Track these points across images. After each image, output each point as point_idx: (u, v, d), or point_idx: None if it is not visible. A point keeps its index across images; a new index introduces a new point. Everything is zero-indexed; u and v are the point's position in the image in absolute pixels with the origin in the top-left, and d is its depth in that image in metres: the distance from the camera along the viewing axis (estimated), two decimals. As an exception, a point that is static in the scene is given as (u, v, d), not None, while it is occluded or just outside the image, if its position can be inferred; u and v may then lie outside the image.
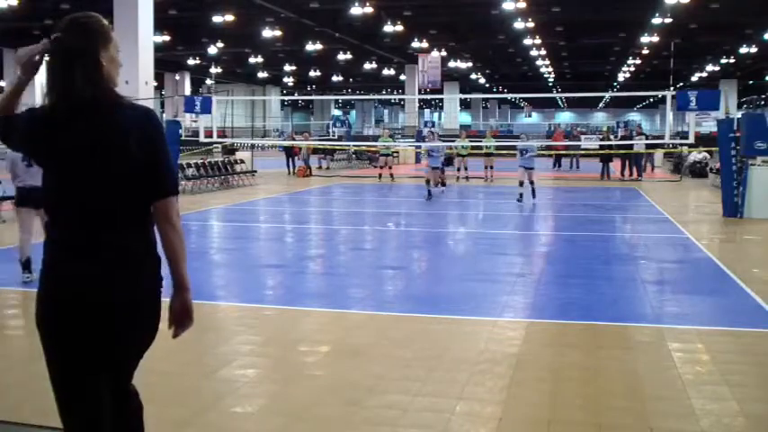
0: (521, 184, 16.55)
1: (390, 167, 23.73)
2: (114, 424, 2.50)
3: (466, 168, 23.33)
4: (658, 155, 29.27)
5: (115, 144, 2.33)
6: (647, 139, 28.33)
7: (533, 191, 16.54)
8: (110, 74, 2.42)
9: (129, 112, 2.39)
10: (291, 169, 25.85)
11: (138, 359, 2.58)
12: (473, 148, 24.68)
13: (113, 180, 2.34)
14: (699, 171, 24.49)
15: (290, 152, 26.66)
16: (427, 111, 67.23)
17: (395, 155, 26.92)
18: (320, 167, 27.96)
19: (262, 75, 50.74)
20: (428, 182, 17.79)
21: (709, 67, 44.52)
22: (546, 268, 9.07)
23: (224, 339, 5.87)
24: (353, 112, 78.00)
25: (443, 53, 36.87)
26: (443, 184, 19.15)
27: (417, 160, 33.92)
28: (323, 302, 7.26)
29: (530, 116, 76.47)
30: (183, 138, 24.09)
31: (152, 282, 2.45)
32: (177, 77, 47.05)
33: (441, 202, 18.32)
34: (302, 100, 69.96)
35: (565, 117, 79.48)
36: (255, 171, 22.89)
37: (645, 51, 36.54)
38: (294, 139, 28.58)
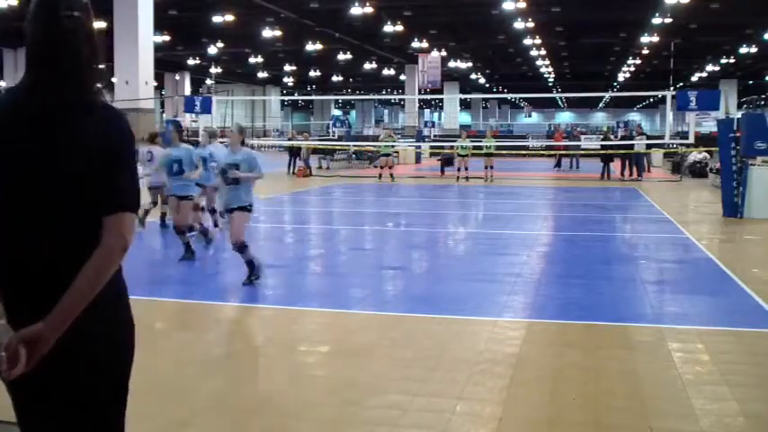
0: (204, 234, 9.70)
1: (390, 167, 23.74)
2: None
3: (466, 168, 23.34)
4: (656, 155, 29.27)
5: (66, 144, 1.94)
6: (647, 138, 28.37)
7: (251, 266, 7.64)
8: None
9: (98, 114, 2.01)
10: (291, 169, 25.85)
11: (96, 406, 1.99)
12: (474, 148, 24.63)
13: (60, 188, 1.93)
14: (699, 171, 24.49)
15: (293, 152, 26.61)
16: (427, 111, 67.27)
17: (395, 155, 26.93)
18: (320, 167, 27.97)
19: (262, 75, 50.75)
20: (163, 216, 11.21)
21: (710, 67, 44.52)
22: (546, 268, 9.07)
23: (224, 339, 5.87)
24: (353, 112, 78.03)
25: (443, 53, 36.88)
26: (203, 234, 10.05)
27: (417, 160, 34.02)
28: (323, 302, 7.26)
29: (530, 116, 76.52)
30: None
31: (104, 313, 1.96)
32: (177, 77, 47.04)
33: (441, 202, 18.33)
34: (302, 100, 69.97)
35: (565, 117, 79.52)
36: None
37: (645, 51, 36.56)
38: (295, 139, 28.56)
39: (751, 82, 50.14)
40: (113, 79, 18.20)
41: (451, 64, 40.84)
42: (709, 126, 33.53)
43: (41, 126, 1.95)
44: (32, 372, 1.83)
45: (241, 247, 7.59)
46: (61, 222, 1.94)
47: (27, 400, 1.96)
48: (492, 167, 23.49)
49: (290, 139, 30.27)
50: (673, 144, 27.02)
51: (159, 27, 23.80)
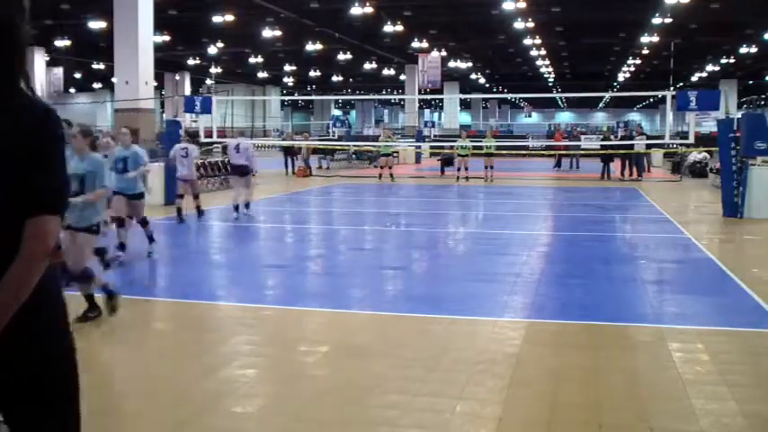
0: (120, 222, 8.84)
1: (390, 167, 23.75)
2: None
3: (466, 168, 23.35)
4: (656, 155, 29.28)
5: None
6: (647, 138, 28.37)
7: (90, 300, 6.14)
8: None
9: (17, 110, 1.88)
10: (291, 169, 25.84)
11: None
12: (474, 148, 24.60)
13: None
14: (699, 171, 24.49)
15: (289, 152, 26.60)
16: (427, 111, 67.22)
17: (395, 155, 26.93)
18: (320, 167, 27.97)
19: (262, 75, 50.72)
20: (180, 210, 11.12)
21: (710, 67, 44.49)
22: (546, 268, 9.06)
23: (224, 339, 5.86)
24: (353, 112, 78.02)
25: (443, 53, 36.87)
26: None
27: (417, 160, 34.04)
28: (323, 302, 7.26)
29: (530, 116, 76.51)
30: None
31: (48, 310, 1.96)
32: (177, 77, 47.01)
33: (441, 202, 18.33)
34: (302, 100, 69.95)
35: (565, 117, 79.46)
36: (256, 171, 22.86)
37: (645, 51, 36.54)
38: (293, 139, 28.57)
39: (751, 82, 50.12)
40: (113, 79, 18.20)
41: (451, 64, 40.82)
42: (709, 126, 33.53)
43: None
44: None
45: (82, 277, 6.09)
46: None
47: None
48: (492, 167, 23.49)
49: (284, 140, 30.25)
50: (673, 144, 27.01)
51: (159, 27, 23.77)
